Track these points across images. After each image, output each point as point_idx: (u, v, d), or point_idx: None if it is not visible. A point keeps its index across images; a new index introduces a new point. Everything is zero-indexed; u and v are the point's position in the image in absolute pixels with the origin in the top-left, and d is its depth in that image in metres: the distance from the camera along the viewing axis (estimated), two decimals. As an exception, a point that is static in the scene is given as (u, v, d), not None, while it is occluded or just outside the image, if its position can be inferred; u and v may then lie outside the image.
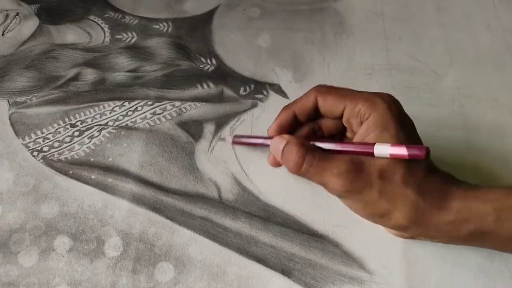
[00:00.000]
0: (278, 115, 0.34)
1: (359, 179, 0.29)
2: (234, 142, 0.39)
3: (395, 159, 0.28)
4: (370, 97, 0.30)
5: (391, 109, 0.30)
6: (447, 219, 0.28)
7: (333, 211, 0.37)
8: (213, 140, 0.41)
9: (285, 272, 0.34)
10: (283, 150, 0.31)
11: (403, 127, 0.30)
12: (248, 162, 0.40)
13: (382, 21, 0.50)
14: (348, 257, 0.35)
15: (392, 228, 0.30)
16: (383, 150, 0.28)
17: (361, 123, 0.31)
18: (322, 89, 0.33)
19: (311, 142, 0.32)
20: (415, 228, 0.29)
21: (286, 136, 0.32)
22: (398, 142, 0.28)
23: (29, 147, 0.41)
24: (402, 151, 0.27)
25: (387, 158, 0.28)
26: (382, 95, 0.31)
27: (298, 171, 0.31)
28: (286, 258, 0.35)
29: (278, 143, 0.32)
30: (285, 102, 0.43)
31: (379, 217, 0.29)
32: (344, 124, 0.33)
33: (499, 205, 0.28)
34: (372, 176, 0.29)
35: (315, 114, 0.34)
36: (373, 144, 0.29)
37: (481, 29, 0.49)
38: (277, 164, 0.35)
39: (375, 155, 0.29)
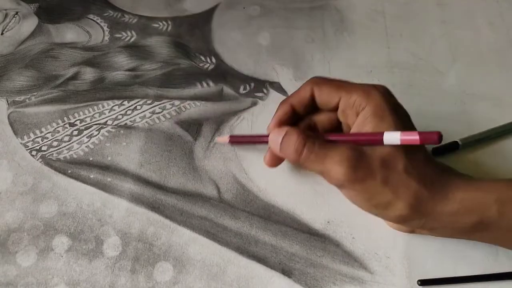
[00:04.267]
0: (277, 110, 0.34)
1: (361, 167, 0.28)
2: (231, 142, 0.38)
3: (396, 148, 0.28)
4: (365, 88, 0.30)
5: (386, 99, 0.30)
6: (451, 209, 0.28)
7: (334, 210, 0.37)
8: (212, 139, 0.41)
9: (286, 272, 0.34)
10: (282, 139, 0.31)
11: (399, 117, 0.30)
12: (248, 160, 0.40)
13: (383, 19, 0.50)
14: (349, 257, 0.34)
15: (395, 220, 0.30)
16: (392, 136, 0.28)
17: (357, 114, 0.31)
18: (318, 80, 0.33)
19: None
20: (418, 219, 0.29)
21: (285, 128, 0.32)
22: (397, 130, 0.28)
23: (28, 146, 0.41)
24: (413, 136, 0.27)
25: (388, 147, 0.28)
26: (377, 86, 0.31)
27: (298, 158, 0.30)
28: (286, 258, 0.34)
29: (277, 134, 0.31)
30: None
31: (382, 208, 0.29)
32: (339, 117, 0.33)
33: (502, 195, 0.28)
34: (375, 164, 0.28)
35: (312, 106, 0.33)
36: (381, 132, 0.28)
37: (483, 26, 0.49)
38: (273, 163, 0.35)
39: (385, 143, 0.28)
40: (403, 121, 0.30)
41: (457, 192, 0.28)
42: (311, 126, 0.34)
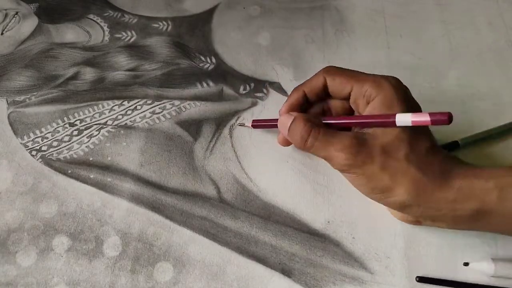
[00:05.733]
0: (289, 96, 0.36)
1: (361, 153, 0.29)
2: (253, 126, 0.40)
3: (399, 137, 0.29)
4: (377, 79, 0.32)
5: (397, 91, 0.31)
6: (449, 196, 0.29)
7: (334, 210, 0.37)
8: (212, 139, 0.41)
9: (285, 271, 0.34)
10: (290, 126, 0.33)
11: (408, 108, 0.30)
12: (248, 160, 0.40)
13: (383, 18, 0.50)
14: (349, 257, 0.34)
15: (394, 205, 0.30)
16: (404, 118, 0.29)
17: (367, 103, 0.32)
18: (331, 70, 0.34)
19: (323, 118, 0.33)
20: (416, 205, 0.29)
21: (293, 113, 0.34)
22: None
23: (28, 146, 0.41)
24: (424, 117, 0.28)
25: (391, 135, 0.29)
26: (389, 78, 0.32)
27: (303, 145, 0.32)
28: (286, 258, 0.34)
29: (286, 120, 0.33)
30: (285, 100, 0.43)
31: (381, 192, 0.30)
32: (351, 105, 0.34)
33: (502, 182, 0.28)
34: (375, 151, 0.29)
35: (324, 94, 0.35)
36: (394, 114, 0.29)
37: (483, 26, 0.49)
38: (285, 143, 0.37)
39: (397, 124, 0.29)
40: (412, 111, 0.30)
41: (457, 180, 0.29)
42: (325, 110, 0.36)
